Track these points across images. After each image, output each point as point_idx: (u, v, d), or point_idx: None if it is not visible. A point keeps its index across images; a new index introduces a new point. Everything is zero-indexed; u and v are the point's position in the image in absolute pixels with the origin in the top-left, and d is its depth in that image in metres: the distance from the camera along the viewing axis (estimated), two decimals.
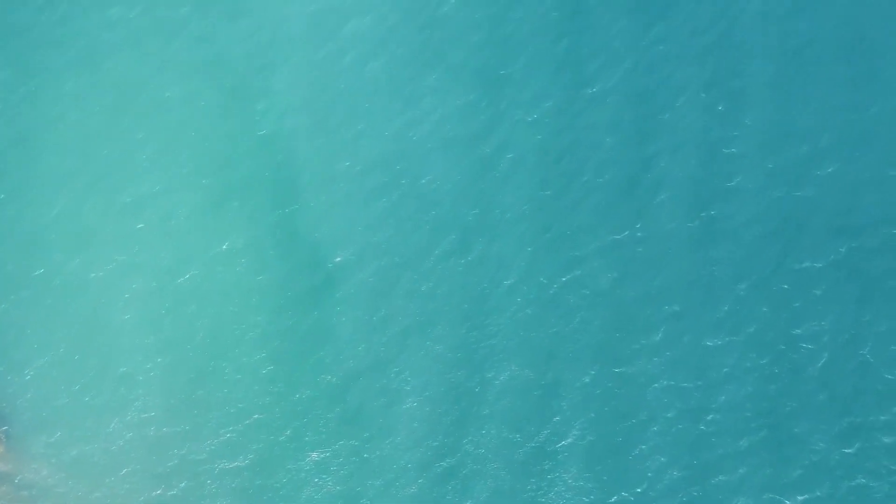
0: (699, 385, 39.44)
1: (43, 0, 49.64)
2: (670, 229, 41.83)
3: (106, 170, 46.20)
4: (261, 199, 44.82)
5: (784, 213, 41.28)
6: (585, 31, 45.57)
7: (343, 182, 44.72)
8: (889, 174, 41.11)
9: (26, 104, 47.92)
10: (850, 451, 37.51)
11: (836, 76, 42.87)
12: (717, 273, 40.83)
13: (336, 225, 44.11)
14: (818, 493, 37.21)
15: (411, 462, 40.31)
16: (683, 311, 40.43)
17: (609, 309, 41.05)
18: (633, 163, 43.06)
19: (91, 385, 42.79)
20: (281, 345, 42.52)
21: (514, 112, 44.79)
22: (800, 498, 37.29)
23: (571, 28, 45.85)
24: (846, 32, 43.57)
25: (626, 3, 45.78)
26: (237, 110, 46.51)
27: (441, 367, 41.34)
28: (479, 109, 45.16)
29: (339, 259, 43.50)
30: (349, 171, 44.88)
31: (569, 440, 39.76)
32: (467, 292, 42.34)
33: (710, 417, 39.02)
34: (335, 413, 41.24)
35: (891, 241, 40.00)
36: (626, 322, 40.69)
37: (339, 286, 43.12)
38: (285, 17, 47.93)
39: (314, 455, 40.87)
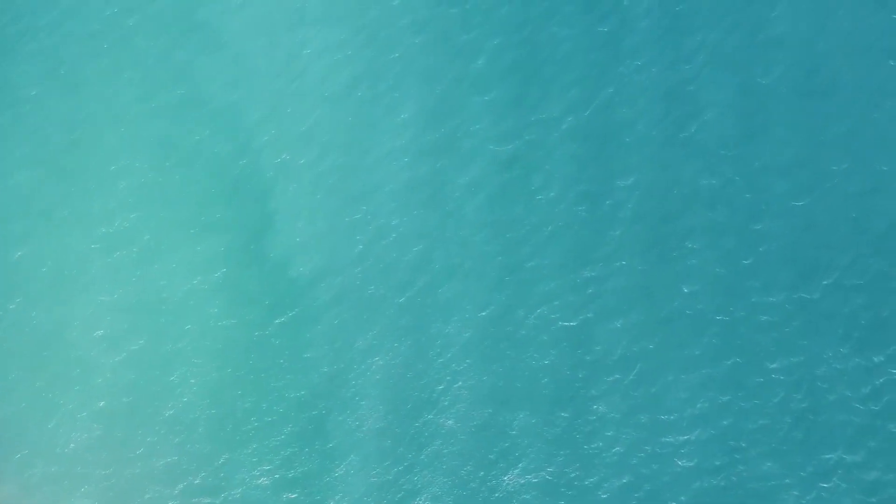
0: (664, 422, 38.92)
1: (17, 30, 49.79)
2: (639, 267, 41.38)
3: (79, 204, 46.08)
4: (237, 232, 44.63)
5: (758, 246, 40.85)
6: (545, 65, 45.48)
7: (321, 215, 44.42)
8: (865, 204, 40.62)
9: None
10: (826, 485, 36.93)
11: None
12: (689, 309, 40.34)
13: (315, 258, 44.04)
14: None
15: (371, 481, 40.01)
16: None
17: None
18: (602, 197, 42.72)
19: (65, 421, 42.58)
20: (256, 379, 42.14)
21: (486, 145, 44.53)
22: None
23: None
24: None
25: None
26: (213, 144, 46.35)
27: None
28: (454, 141, 44.91)
29: (317, 292, 43.21)
30: (326, 204, 44.55)
31: (523, 479, 39.24)
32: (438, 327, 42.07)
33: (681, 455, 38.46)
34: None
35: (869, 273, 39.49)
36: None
37: (316, 318, 42.77)
38: (261, 51, 47.88)
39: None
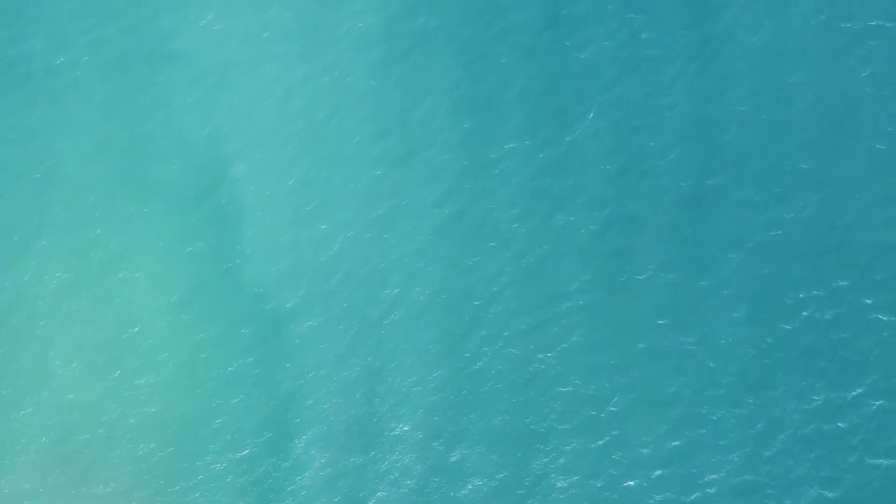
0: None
1: None
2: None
3: (56, 237, 45.89)
4: (214, 263, 44.50)
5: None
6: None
7: (297, 249, 44.35)
8: (839, 235, 40.87)
9: None
10: None
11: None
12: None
13: (290, 289, 43.79)
14: None
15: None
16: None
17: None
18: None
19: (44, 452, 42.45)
20: (230, 402, 42.06)
21: (461, 176, 44.64)
22: None
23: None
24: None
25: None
26: (189, 174, 46.24)
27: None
28: (428, 173, 45.00)
29: (292, 322, 43.15)
30: (302, 239, 44.51)
31: None
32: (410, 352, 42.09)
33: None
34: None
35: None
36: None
37: (291, 349, 42.79)
38: (238, 80, 47.84)
39: None
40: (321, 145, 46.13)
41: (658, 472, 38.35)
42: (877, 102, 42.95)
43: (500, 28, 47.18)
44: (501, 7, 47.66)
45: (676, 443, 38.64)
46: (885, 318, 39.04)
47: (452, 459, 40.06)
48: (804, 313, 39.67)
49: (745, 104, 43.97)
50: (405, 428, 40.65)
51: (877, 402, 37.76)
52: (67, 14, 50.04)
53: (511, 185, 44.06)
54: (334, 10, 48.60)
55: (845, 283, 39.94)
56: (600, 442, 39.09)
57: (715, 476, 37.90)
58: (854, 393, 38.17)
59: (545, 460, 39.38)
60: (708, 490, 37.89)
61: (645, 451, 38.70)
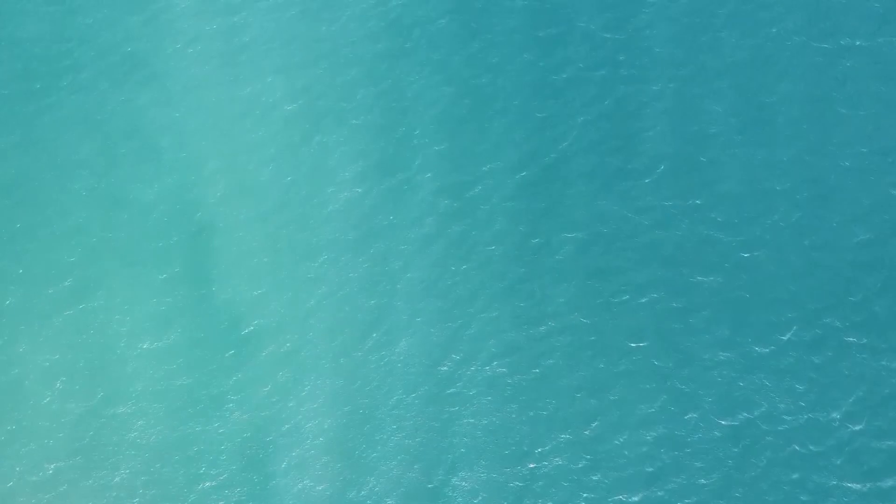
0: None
1: None
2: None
3: (32, 263, 45.61)
4: (190, 288, 44.30)
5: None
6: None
7: (275, 271, 44.28)
8: (816, 258, 41.18)
9: None
10: None
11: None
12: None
13: (267, 314, 43.62)
14: None
15: None
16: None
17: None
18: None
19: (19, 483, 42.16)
20: (208, 427, 42.00)
21: (437, 198, 44.77)
22: None
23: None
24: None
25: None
26: (167, 200, 46.12)
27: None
28: (403, 194, 45.10)
29: (269, 348, 43.02)
30: (280, 261, 44.45)
31: None
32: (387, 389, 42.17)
33: None
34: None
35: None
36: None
37: (266, 374, 42.59)
38: (214, 104, 47.78)
39: None
40: (299, 166, 46.05)
41: (638, 497, 38.48)
42: (852, 122, 43.43)
43: (479, 48, 47.38)
44: (480, 28, 47.81)
45: (654, 466, 38.76)
46: (857, 341, 39.46)
47: (430, 485, 40.05)
48: (782, 336, 39.97)
49: (722, 125, 44.35)
50: (385, 450, 40.57)
51: (855, 427, 38.07)
52: (46, 38, 49.84)
53: (489, 205, 44.14)
54: (312, 31, 48.63)
55: (822, 305, 40.31)
56: (580, 464, 39.18)
57: (694, 499, 38.06)
58: (833, 416, 38.48)
59: (526, 483, 39.42)
60: None
61: (624, 473, 38.83)
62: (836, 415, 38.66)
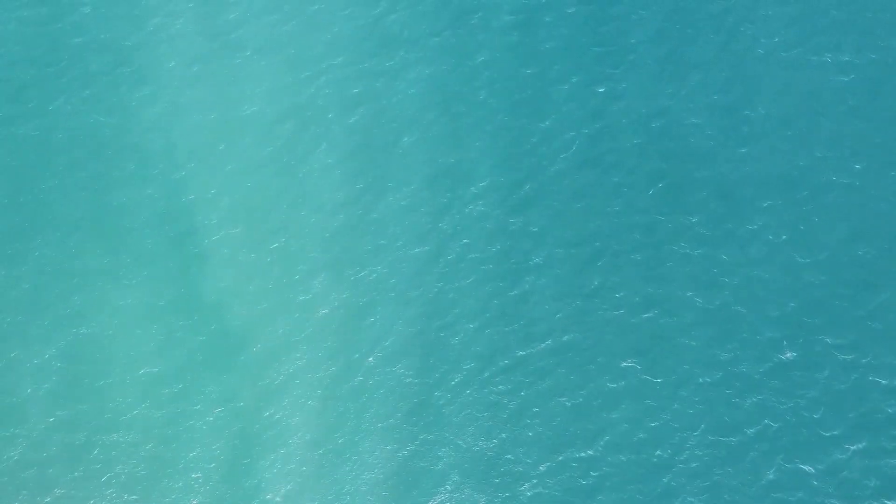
0: None
1: None
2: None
3: (31, 289, 45.69)
4: (188, 314, 44.29)
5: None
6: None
7: (275, 293, 44.50)
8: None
9: None
10: None
11: None
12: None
13: (267, 336, 43.77)
14: None
15: None
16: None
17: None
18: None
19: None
20: (206, 452, 42.14)
21: (422, 216, 45.26)
22: None
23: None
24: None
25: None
26: (162, 223, 46.30)
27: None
28: (394, 211, 45.56)
29: (275, 368, 43.17)
30: (280, 281, 44.79)
31: None
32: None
33: None
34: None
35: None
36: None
37: (267, 399, 42.76)
38: (210, 125, 47.98)
39: None
40: (298, 186, 46.14)
41: None
42: (839, 139, 43.87)
43: (477, 64, 47.64)
44: (477, 45, 48.07)
45: (653, 484, 39.20)
46: (851, 357, 39.91)
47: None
48: (773, 354, 40.44)
49: (711, 140, 44.72)
50: (378, 473, 40.95)
51: (852, 447, 38.56)
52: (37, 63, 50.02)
53: (485, 224, 44.44)
54: (310, 49, 48.82)
55: (812, 321, 40.70)
56: (580, 482, 39.58)
57: None
58: (829, 434, 38.93)
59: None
60: None
61: (624, 491, 39.29)
62: (834, 432, 39.09)
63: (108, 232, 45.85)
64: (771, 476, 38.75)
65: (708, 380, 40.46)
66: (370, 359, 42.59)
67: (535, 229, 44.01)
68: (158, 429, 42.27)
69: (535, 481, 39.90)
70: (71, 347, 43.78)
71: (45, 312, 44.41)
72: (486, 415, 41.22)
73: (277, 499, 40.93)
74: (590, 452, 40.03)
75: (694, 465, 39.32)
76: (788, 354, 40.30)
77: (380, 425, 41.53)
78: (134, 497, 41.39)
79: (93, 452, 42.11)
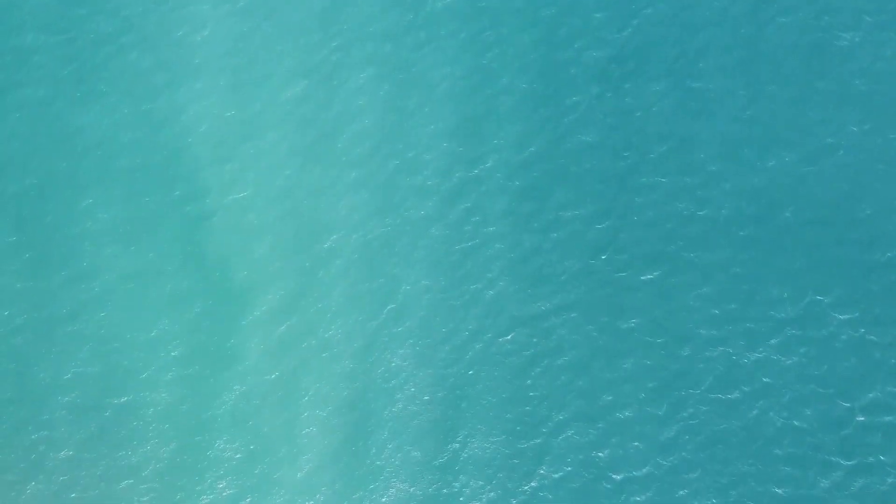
0: None
1: None
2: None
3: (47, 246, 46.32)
4: (206, 300, 44.63)
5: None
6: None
7: (284, 255, 44.99)
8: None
9: None
10: None
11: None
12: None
13: (284, 323, 44.28)
14: None
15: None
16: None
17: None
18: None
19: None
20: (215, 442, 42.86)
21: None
22: None
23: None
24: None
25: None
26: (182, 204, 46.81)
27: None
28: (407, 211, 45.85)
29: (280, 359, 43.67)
30: (290, 243, 45.19)
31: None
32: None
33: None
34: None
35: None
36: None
37: (284, 388, 43.10)
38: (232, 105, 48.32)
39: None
40: (308, 149, 46.39)
41: (645, 469, 39.76)
42: (843, 100, 43.96)
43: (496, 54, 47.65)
44: (497, 40, 48.06)
45: (655, 440, 40.01)
46: (854, 318, 40.33)
47: (445, 490, 40.93)
48: (775, 313, 40.96)
49: (714, 102, 44.85)
50: (397, 456, 41.46)
51: (852, 404, 39.22)
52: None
53: (497, 206, 44.73)
54: (324, 14, 48.75)
55: (814, 281, 41.06)
56: (582, 439, 40.40)
57: (699, 471, 39.21)
58: (829, 391, 39.47)
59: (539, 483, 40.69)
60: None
61: (630, 447, 40.10)
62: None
63: (115, 196, 46.36)
64: (772, 432, 39.26)
65: (710, 337, 40.95)
66: (382, 316, 43.27)
67: (541, 192, 44.49)
68: (168, 390, 42.97)
69: (538, 440, 40.68)
70: (79, 310, 44.46)
71: (52, 276, 45.12)
72: (497, 372, 41.86)
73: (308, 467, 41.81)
74: (592, 411, 40.64)
75: (694, 422, 39.88)
76: (790, 312, 40.64)
77: (392, 383, 42.39)
78: (143, 456, 42.24)
79: (103, 414, 42.93)
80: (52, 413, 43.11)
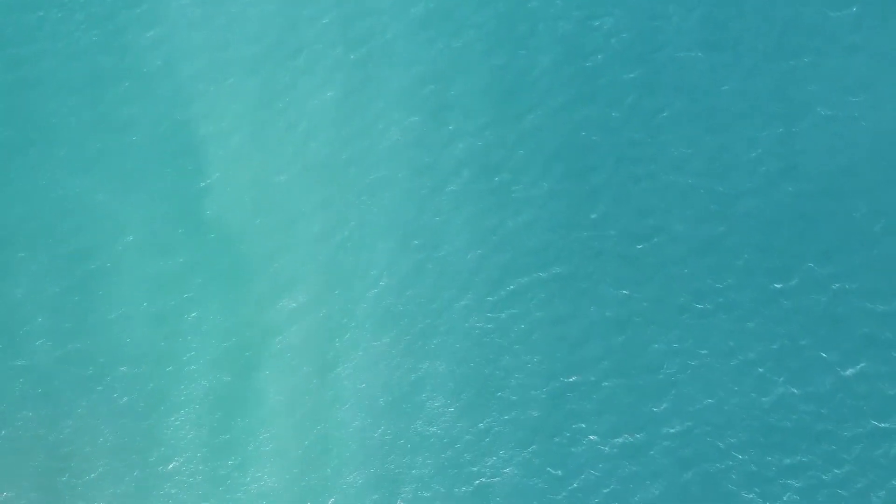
0: None
1: None
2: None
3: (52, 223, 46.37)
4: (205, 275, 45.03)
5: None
6: None
7: (284, 225, 45.25)
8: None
9: None
10: None
11: None
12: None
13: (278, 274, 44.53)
14: None
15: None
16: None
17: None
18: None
19: None
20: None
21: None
22: None
23: None
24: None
25: None
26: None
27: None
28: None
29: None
30: (289, 213, 45.37)
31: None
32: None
33: None
34: None
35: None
36: None
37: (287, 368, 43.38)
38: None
39: None
40: (307, 119, 46.56)
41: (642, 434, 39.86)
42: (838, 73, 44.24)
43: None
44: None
45: (649, 407, 40.08)
46: (848, 286, 40.69)
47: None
48: (767, 282, 41.12)
49: (705, 73, 45.17)
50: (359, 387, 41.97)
51: (846, 371, 39.40)
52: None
53: (480, 155, 45.05)
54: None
55: (806, 249, 41.28)
56: (576, 406, 40.47)
57: (707, 428, 39.32)
58: (824, 358, 39.67)
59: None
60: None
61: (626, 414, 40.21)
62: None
63: (114, 166, 46.63)
64: (766, 400, 39.39)
65: (702, 308, 41.09)
66: (371, 291, 43.46)
67: (529, 161, 44.67)
68: (167, 360, 43.18)
69: (534, 408, 40.85)
70: (78, 281, 44.65)
71: (51, 246, 45.31)
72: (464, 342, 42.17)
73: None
74: (588, 378, 40.73)
75: (688, 389, 40.00)
76: (782, 282, 40.90)
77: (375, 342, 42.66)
78: (144, 427, 42.49)
79: (102, 383, 43.00)
80: (50, 384, 43.34)
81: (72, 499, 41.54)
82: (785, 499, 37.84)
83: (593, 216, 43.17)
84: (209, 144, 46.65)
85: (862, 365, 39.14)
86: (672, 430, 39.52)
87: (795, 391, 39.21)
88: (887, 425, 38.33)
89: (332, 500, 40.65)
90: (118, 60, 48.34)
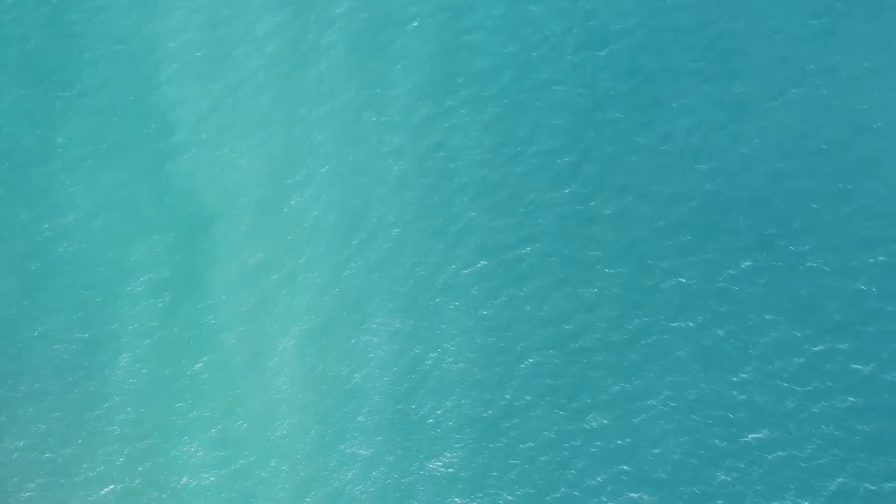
0: None
1: None
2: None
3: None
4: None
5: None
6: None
7: (265, 200, 45.49)
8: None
9: None
10: None
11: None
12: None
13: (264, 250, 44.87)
14: None
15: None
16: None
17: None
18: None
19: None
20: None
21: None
22: None
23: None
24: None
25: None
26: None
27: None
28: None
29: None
30: (270, 187, 45.69)
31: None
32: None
33: None
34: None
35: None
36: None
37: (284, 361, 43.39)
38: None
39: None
40: (291, 92, 47.08)
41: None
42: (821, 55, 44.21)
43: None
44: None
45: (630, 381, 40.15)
46: (818, 265, 40.65)
47: (413, 417, 41.29)
48: (746, 258, 41.10)
49: (693, 58, 45.12)
50: (368, 382, 41.95)
51: (818, 348, 39.34)
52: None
53: (464, 141, 45.11)
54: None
55: (788, 227, 41.29)
56: (556, 382, 40.53)
57: (692, 397, 39.40)
58: (800, 335, 39.49)
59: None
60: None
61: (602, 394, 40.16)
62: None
63: (88, 133, 47.11)
64: (742, 377, 39.40)
65: (672, 268, 41.40)
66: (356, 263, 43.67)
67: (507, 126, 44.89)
68: (151, 339, 43.41)
69: (500, 369, 41.01)
70: (55, 261, 45.17)
71: (24, 233, 45.80)
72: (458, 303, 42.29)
73: (278, 396, 42.06)
74: (569, 351, 40.89)
75: (658, 366, 40.25)
76: (762, 259, 40.87)
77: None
78: (129, 408, 42.67)
79: (82, 365, 43.40)
80: (21, 346, 43.70)
81: None
82: (754, 475, 38.05)
83: (573, 193, 43.35)
84: (179, 107, 47.21)
85: (832, 343, 39.14)
86: (644, 406, 39.53)
87: (769, 367, 39.21)
88: (854, 399, 38.45)
89: None
90: (89, 24, 49.08)
